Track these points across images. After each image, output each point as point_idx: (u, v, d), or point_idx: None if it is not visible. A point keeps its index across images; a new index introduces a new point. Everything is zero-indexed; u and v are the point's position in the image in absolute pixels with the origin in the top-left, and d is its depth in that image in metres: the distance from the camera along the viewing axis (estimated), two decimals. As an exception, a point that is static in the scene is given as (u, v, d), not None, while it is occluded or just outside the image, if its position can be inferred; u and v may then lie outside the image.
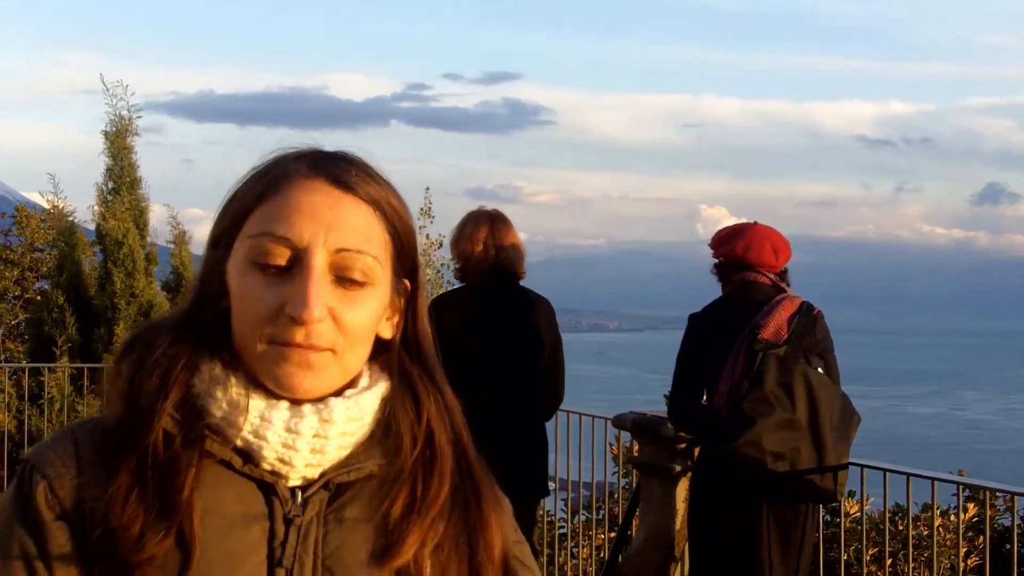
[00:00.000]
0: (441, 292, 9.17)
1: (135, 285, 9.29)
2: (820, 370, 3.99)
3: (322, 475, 1.15)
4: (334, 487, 1.15)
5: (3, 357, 10.15)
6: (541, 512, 5.89)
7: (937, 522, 4.73)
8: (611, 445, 6.76)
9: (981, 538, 5.73)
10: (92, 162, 9.85)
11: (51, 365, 8.44)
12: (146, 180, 9.93)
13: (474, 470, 1.22)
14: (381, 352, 1.20)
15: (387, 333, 1.20)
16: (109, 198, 9.73)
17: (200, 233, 10.29)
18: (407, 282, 1.20)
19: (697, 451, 4.62)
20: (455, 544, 1.17)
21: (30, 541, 1.09)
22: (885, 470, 4.43)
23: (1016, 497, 4.38)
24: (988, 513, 4.64)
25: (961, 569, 4.99)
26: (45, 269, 11.21)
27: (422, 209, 10.74)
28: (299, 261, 1.10)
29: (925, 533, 5.80)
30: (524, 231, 4.82)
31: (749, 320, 4.04)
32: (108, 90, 9.70)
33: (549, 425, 5.20)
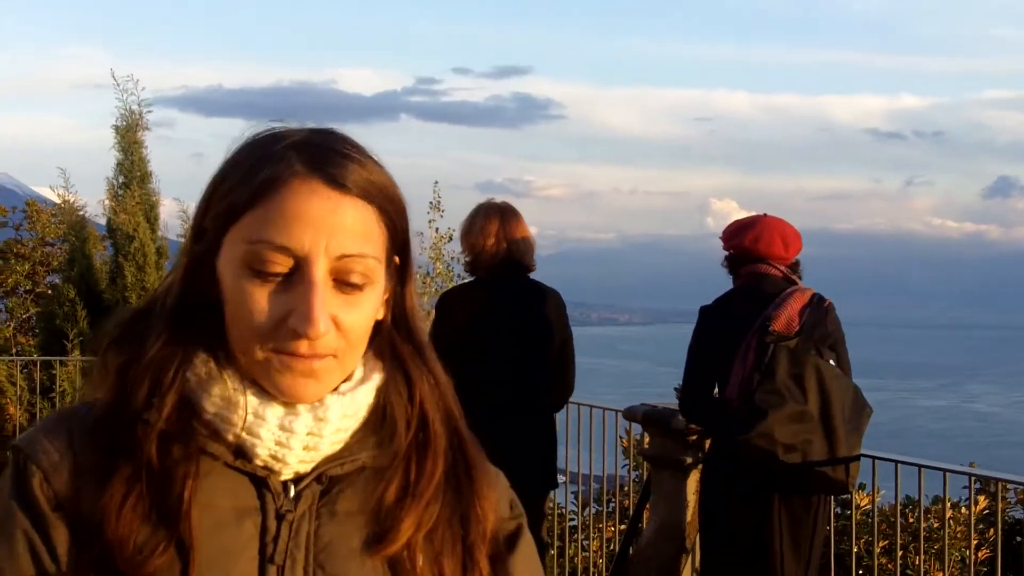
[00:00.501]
0: (451, 286, 9.18)
1: (146, 279, 9.32)
2: (832, 362, 3.99)
3: (315, 468, 1.13)
4: (327, 480, 1.14)
5: (15, 350, 10.19)
6: (551, 505, 5.89)
7: (948, 514, 4.72)
8: (621, 438, 6.75)
9: (992, 530, 5.72)
10: (102, 156, 9.85)
11: (62, 359, 8.47)
12: (156, 174, 9.96)
13: (466, 447, 1.21)
14: (373, 335, 1.16)
15: (379, 314, 1.17)
16: (120, 192, 9.75)
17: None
18: (397, 258, 1.17)
19: (708, 443, 4.62)
20: (448, 525, 1.16)
21: (30, 525, 1.08)
22: (897, 461, 4.43)
23: (1028, 489, 4.38)
24: (1000, 505, 4.63)
25: (972, 561, 4.98)
26: (56, 263, 11.25)
27: (431, 203, 10.73)
28: (300, 270, 1.07)
29: (936, 525, 5.79)
30: (534, 225, 4.82)
31: (760, 312, 4.03)
32: (118, 84, 9.71)
33: (559, 417, 5.20)
